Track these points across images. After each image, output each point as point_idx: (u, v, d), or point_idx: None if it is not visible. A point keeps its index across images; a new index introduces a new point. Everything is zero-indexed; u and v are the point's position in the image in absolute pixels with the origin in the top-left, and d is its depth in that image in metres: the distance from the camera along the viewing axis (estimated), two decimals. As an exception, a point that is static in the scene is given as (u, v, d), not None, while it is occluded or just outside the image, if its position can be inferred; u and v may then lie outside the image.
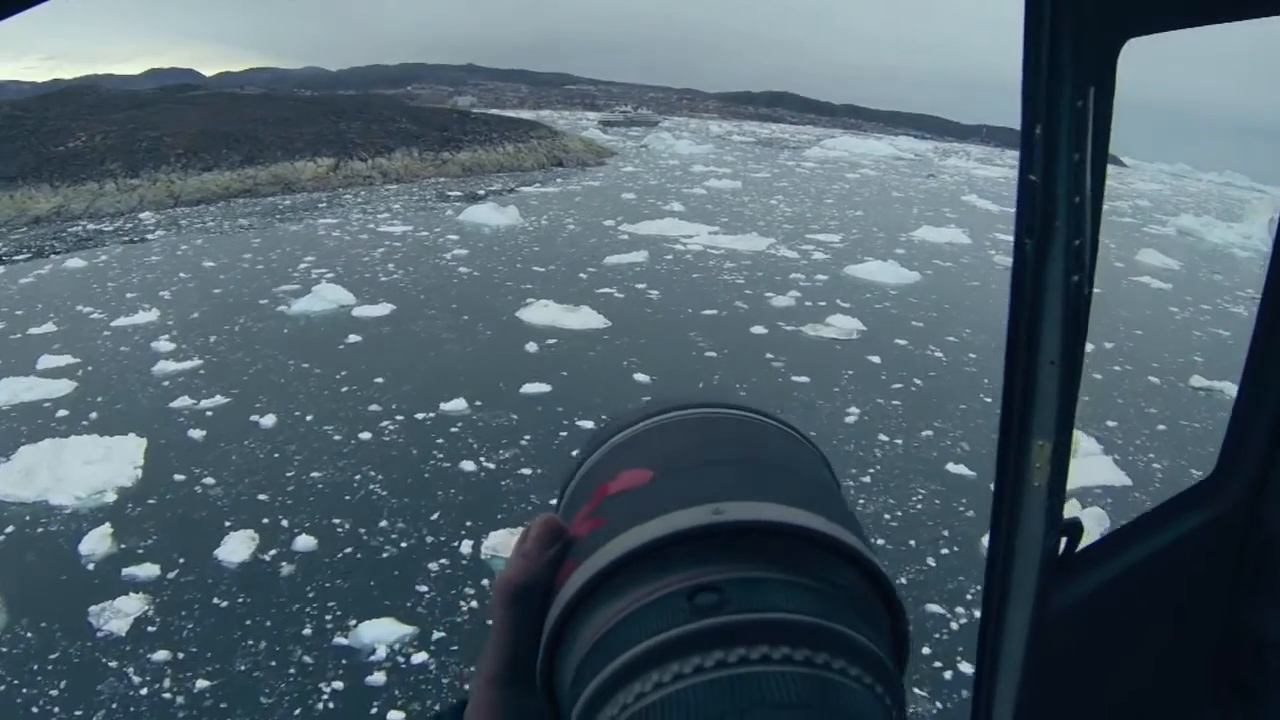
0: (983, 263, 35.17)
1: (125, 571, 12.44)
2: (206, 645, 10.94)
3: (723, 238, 36.81)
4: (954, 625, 10.84)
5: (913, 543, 12.88)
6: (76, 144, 50.00)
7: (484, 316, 24.10)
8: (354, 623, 11.09)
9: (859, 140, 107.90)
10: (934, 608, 11.17)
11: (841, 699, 0.36)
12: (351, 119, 59.67)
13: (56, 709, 9.78)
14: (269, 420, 17.02)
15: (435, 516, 13.36)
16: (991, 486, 1.59)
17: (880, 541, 12.70)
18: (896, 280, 31.01)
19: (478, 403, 17.55)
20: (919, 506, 14.12)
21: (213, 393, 18.55)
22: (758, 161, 78.17)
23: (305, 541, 12.85)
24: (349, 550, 12.61)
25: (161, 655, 10.76)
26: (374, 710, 9.78)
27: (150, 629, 11.38)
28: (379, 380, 18.86)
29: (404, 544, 12.69)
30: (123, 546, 13.22)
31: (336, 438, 16.22)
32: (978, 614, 1.81)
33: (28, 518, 13.95)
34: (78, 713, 9.74)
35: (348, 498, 14.06)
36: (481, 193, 48.71)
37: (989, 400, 17.90)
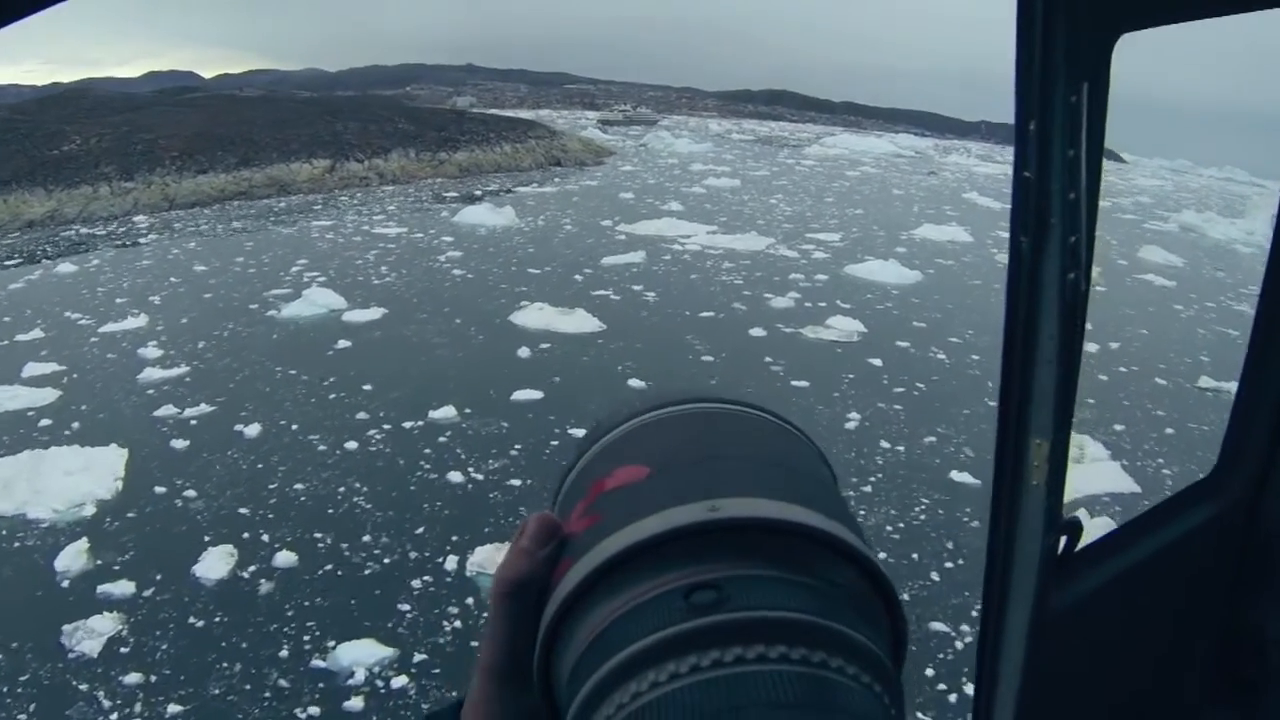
0: (985, 261, 34.68)
1: (100, 589, 12.10)
2: (180, 668, 10.57)
3: (721, 237, 36.37)
4: (959, 644, 10.36)
5: (915, 556, 12.39)
6: (71, 147, 49.69)
7: (476, 320, 23.67)
8: (332, 644, 10.68)
9: (859, 138, 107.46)
10: (938, 625, 10.69)
11: (840, 698, 0.36)
12: (348, 120, 59.30)
13: (21, 737, 9.39)
14: (253, 430, 16.62)
15: (420, 531, 12.92)
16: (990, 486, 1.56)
17: (882, 555, 11.87)
18: (898, 280, 30.55)
19: (467, 410, 17.12)
20: (922, 517, 13.64)
21: (197, 401, 18.17)
22: (757, 160, 77.77)
23: (285, 557, 12.44)
24: (330, 567, 12.19)
25: (133, 678, 10.40)
26: (350, 738, 9.37)
27: (123, 650, 11.04)
28: (367, 387, 18.43)
29: (387, 560, 12.25)
30: (99, 562, 12.88)
31: (321, 448, 15.80)
32: (984, 631, 1.73)
33: (3, 532, 13.61)
34: (43, 741, 9.36)
35: (331, 511, 13.64)
36: (478, 193, 48.33)
37: (993, 404, 17.16)
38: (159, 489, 14.76)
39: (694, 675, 0.36)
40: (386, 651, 10.44)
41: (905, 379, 20.37)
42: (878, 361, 21.61)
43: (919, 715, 9.19)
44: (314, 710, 9.72)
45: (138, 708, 9.90)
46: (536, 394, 18.04)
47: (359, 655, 10.40)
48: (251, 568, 12.39)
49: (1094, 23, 1.27)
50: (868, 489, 14.56)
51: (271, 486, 14.53)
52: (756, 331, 23.74)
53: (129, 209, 44.45)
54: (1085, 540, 1.61)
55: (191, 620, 11.46)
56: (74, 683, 10.32)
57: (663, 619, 0.38)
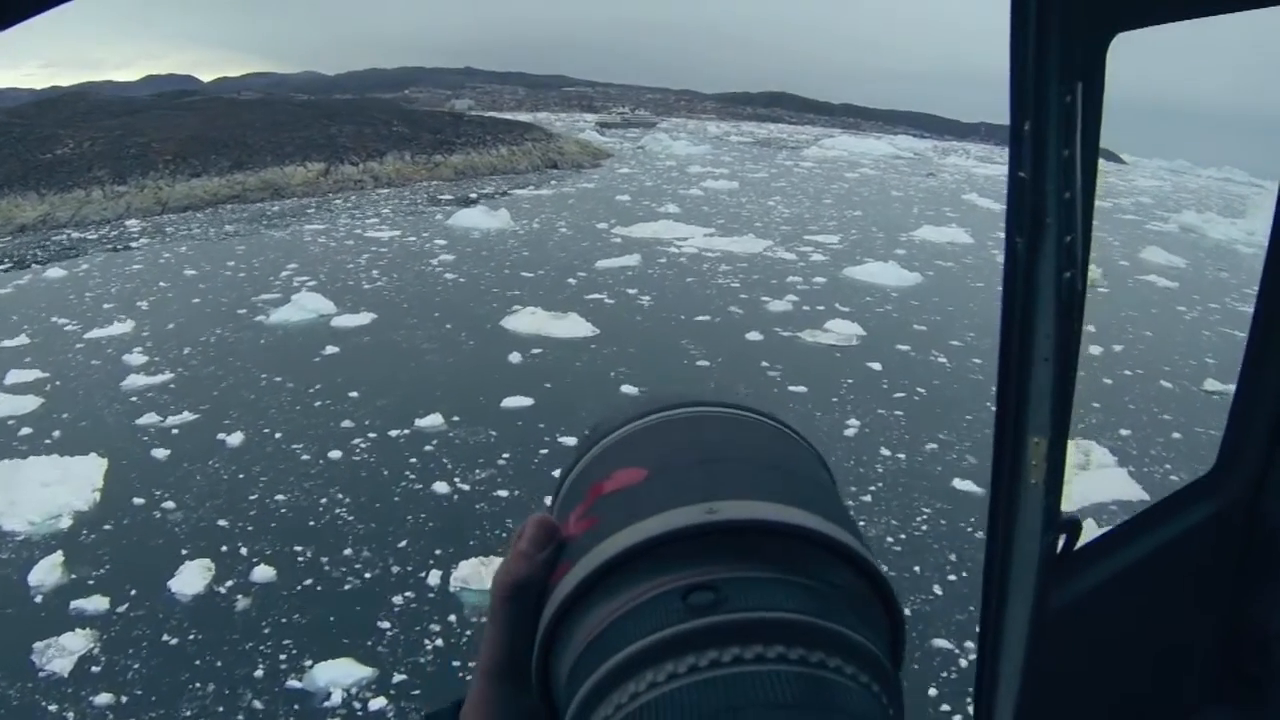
0: (986, 263, 34.29)
1: (74, 604, 11.73)
2: (151, 688, 10.19)
3: (718, 240, 35.99)
4: (963, 662, 9.89)
5: (918, 569, 11.90)
6: (64, 151, 49.42)
7: (467, 325, 23.22)
8: (309, 663, 10.25)
9: (858, 139, 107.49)
10: (941, 643, 10.21)
11: (838, 698, 0.36)
12: (344, 123, 59.00)
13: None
14: (236, 438, 16.20)
15: (403, 544, 12.47)
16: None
17: (882, 567, 11.69)
18: (897, 282, 30.16)
19: (455, 418, 16.67)
20: (924, 528, 13.16)
21: (180, 409, 17.78)
22: (755, 161, 77.48)
23: (263, 572, 12.00)
24: (309, 582, 11.75)
25: (104, 699, 10.04)
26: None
27: (95, 669, 10.68)
28: (353, 394, 18.00)
29: (368, 575, 11.81)
30: (74, 577, 12.52)
31: (305, 457, 15.36)
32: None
33: (-23, 546, 13.18)
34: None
35: (312, 523, 13.20)
36: (473, 196, 47.98)
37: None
38: (137, 500, 14.38)
39: (692, 676, 0.36)
40: (365, 671, 10.00)
41: (905, 384, 19.93)
42: (877, 366, 21.18)
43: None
44: (287, 734, 9.31)
45: (106, 731, 9.53)
46: (527, 401, 17.60)
47: (336, 675, 9.98)
48: (228, 582, 11.98)
49: (1088, 22, 1.26)
50: (867, 498, 14.10)
51: (252, 497, 14.10)
52: (753, 335, 23.31)
53: (121, 213, 44.15)
54: (1084, 539, 1.60)
55: (165, 638, 11.09)
56: (43, 703, 9.94)
57: (661, 620, 0.38)
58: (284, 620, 11.08)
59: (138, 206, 45.25)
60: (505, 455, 15.19)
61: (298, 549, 12.52)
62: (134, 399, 18.63)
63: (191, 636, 11.02)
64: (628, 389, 18.24)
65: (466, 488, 14.07)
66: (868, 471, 15.20)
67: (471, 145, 60.39)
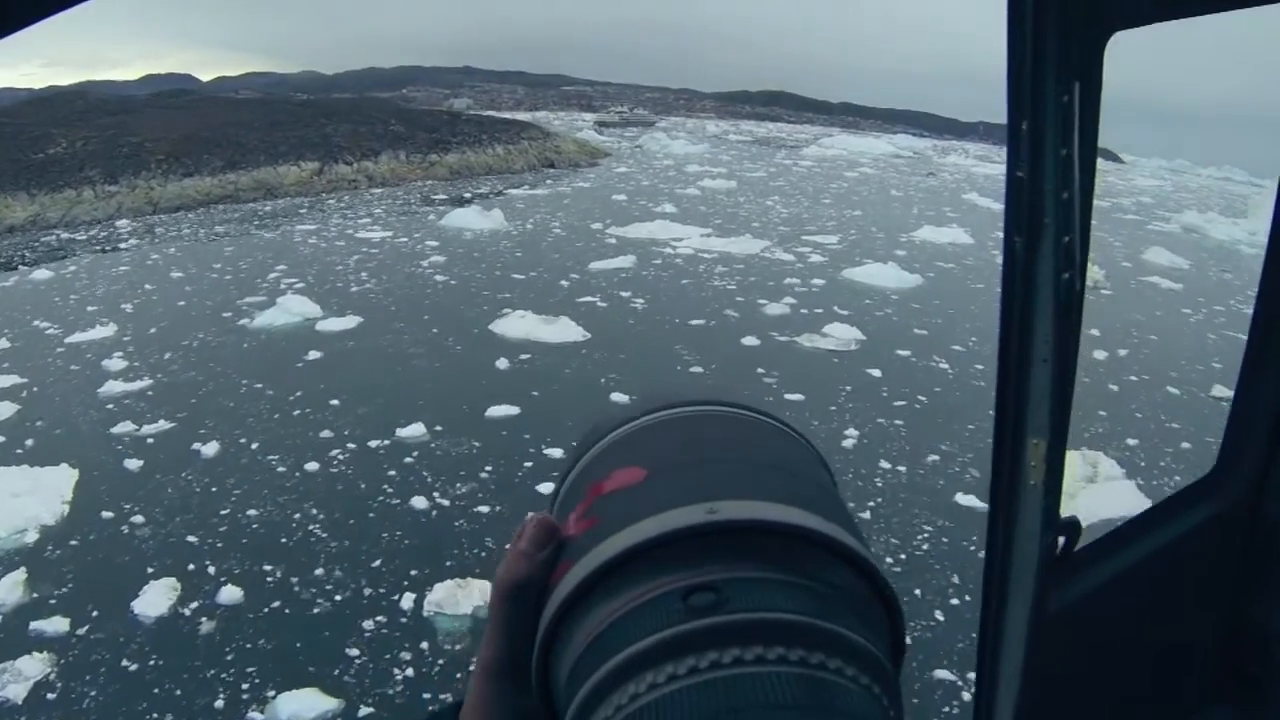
0: (987, 264, 33.76)
1: (33, 626, 11.29)
2: (107, 717, 9.61)
3: (715, 240, 35.45)
4: (966, 695, 9.30)
5: (918, 591, 11.25)
6: (56, 150, 48.98)
7: (455, 329, 22.68)
8: (272, 693, 9.74)
9: (857, 138, 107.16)
10: (943, 674, 9.60)
11: (838, 699, 0.36)
12: (339, 122, 58.52)
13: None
14: (211, 448, 15.66)
15: (377, 564, 11.90)
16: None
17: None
18: (897, 284, 29.61)
19: (438, 428, 16.11)
20: (924, 547, 12.57)
21: (157, 417, 17.27)
22: (754, 161, 77.01)
23: (230, 593, 11.47)
24: (276, 604, 11.19)
25: (58, 730, 9.48)
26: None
27: (50, 695, 10.26)
28: (334, 402, 17.44)
29: (338, 597, 11.24)
30: (35, 596, 12.09)
31: (280, 469, 14.80)
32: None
33: (-61, 562, 12.67)
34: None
35: (283, 540, 12.64)
36: (468, 196, 47.47)
37: (998, 417, 16.35)
38: (106, 514, 13.89)
39: (692, 677, 0.36)
40: (330, 703, 9.48)
41: (906, 391, 19.36)
42: (877, 372, 20.63)
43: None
44: (245, 772, 8.75)
45: (57, 763, 9.01)
46: (513, 410, 17.04)
47: (299, 707, 9.46)
48: (193, 604, 11.46)
49: (1085, 21, 1.26)
50: (866, 514, 13.50)
51: (223, 512, 13.55)
52: (749, 340, 22.76)
53: (112, 213, 43.69)
54: (1084, 540, 1.59)
55: (125, 663, 10.63)
56: (-6, 733, 9.56)
57: (661, 621, 0.38)
58: (249, 646, 10.56)
59: (129, 207, 44.79)
60: (488, 468, 14.62)
61: (267, 568, 11.98)
62: (110, 406, 18.15)
63: (152, 662, 10.55)
64: (618, 397, 17.64)
65: (446, 503, 13.50)
66: (866, 485, 14.61)
67: (467, 144, 59.86)
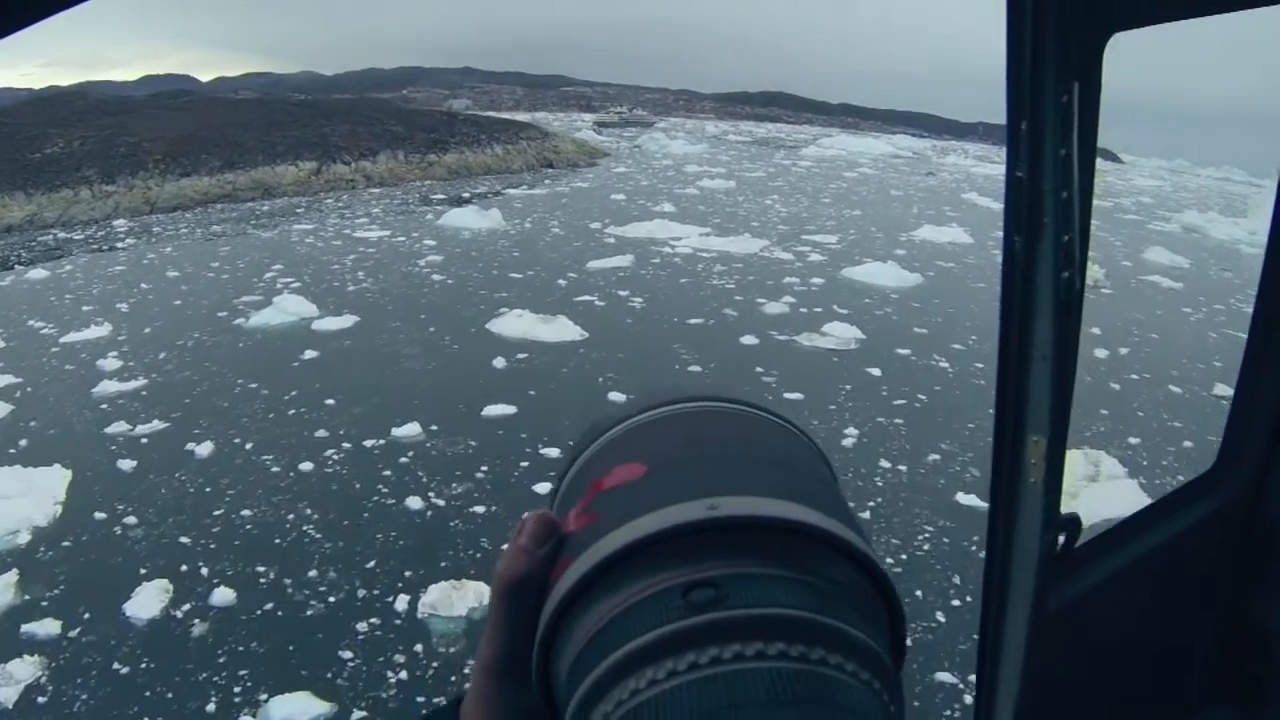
0: (988, 263, 33.62)
1: (25, 628, 11.14)
2: (97, 722, 9.50)
3: (714, 239, 35.30)
4: (968, 699, 9.16)
5: (919, 593, 11.06)
6: (54, 150, 48.88)
7: (452, 328, 22.52)
8: (264, 697, 9.59)
9: (856, 139, 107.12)
10: (944, 676, 9.44)
11: (838, 695, 0.36)
12: (338, 122, 58.40)
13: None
14: (205, 449, 15.52)
15: (371, 564, 11.75)
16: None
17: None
18: (897, 283, 29.46)
19: (433, 427, 15.96)
20: (925, 548, 12.41)
21: (151, 417, 17.13)
22: (753, 161, 76.89)
23: (223, 595, 11.33)
24: (269, 606, 11.05)
25: (47, 733, 9.37)
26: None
27: (41, 699, 10.13)
28: (330, 402, 17.29)
29: (332, 598, 11.09)
30: (27, 598, 11.96)
31: (275, 469, 14.66)
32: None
33: (-70, 564, 12.54)
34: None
35: (277, 540, 12.50)
36: (466, 196, 47.34)
37: (998, 416, 16.20)
38: (99, 514, 13.77)
39: (693, 672, 0.36)
40: (322, 707, 9.33)
41: (906, 390, 19.21)
42: (876, 371, 20.48)
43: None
44: (236, 777, 8.62)
45: (46, 768, 8.89)
46: (509, 409, 16.89)
47: (292, 711, 9.31)
48: (185, 606, 11.32)
49: (1085, 22, 1.27)
50: (867, 514, 13.34)
51: (217, 513, 13.41)
52: (748, 339, 22.59)
53: (109, 213, 43.59)
54: (1084, 537, 1.59)
55: (116, 666, 10.50)
56: (-16, 736, 9.45)
57: (661, 616, 0.38)
58: (241, 648, 10.42)
59: (126, 206, 44.68)
60: (483, 468, 14.47)
61: (260, 569, 11.84)
62: (104, 406, 18.02)
63: (143, 665, 10.42)
64: (615, 396, 17.50)
65: (441, 503, 13.35)
66: (867, 485, 14.46)
67: (466, 144, 59.74)
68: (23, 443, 16.39)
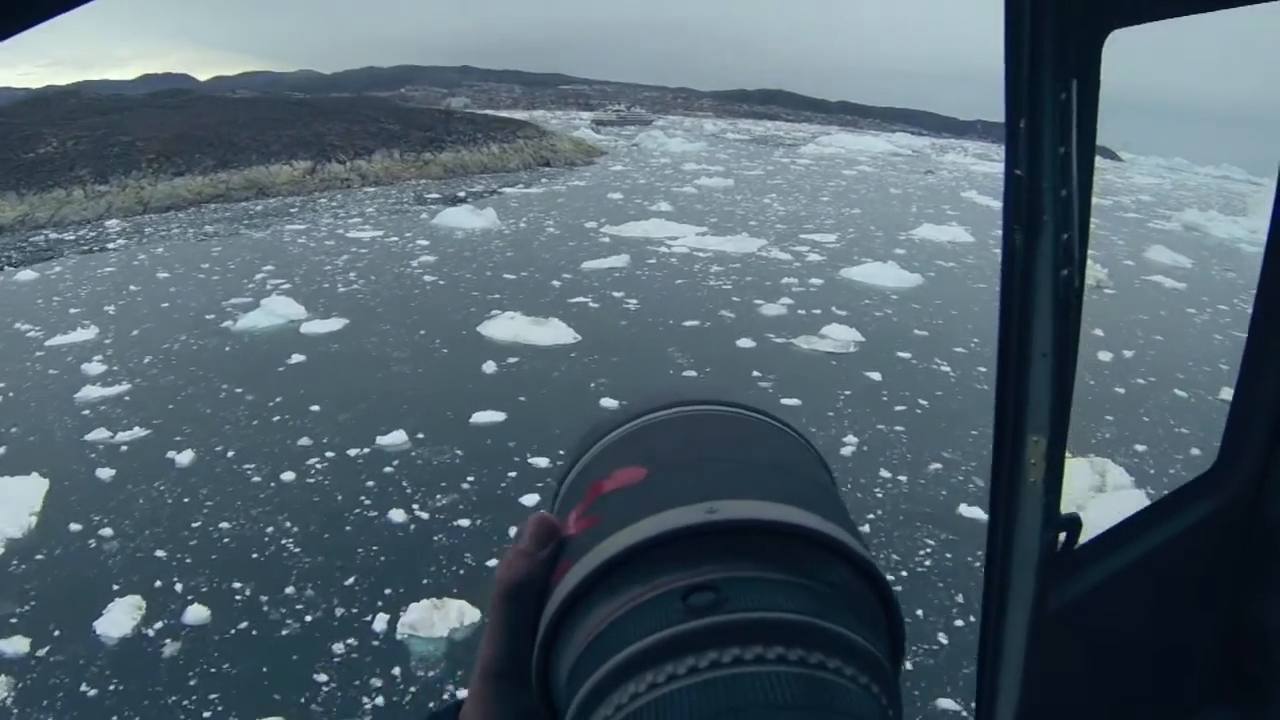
0: (989, 263, 33.17)
1: (-8, 647, 10.67)
2: (61, 748, 9.12)
3: (711, 239, 34.85)
4: (970, 726, 8.73)
5: (920, 612, 10.60)
6: (47, 150, 48.47)
7: (442, 331, 22.08)
8: (235, 724, 9.13)
9: (855, 137, 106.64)
10: (947, 703, 8.99)
11: (837, 699, 0.36)
12: (334, 121, 57.96)
13: None
14: (186, 457, 15.10)
15: (350, 581, 11.32)
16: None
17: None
18: (897, 283, 29.00)
19: (420, 435, 15.52)
20: (927, 563, 11.95)
21: (132, 424, 16.73)
22: (751, 159, 76.41)
23: (197, 613, 10.92)
24: (244, 625, 10.62)
25: (7, 761, 8.99)
26: None
27: None
28: (315, 408, 16.86)
29: (309, 617, 10.66)
30: (-3, 614, 11.42)
31: (256, 479, 14.23)
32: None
33: (-102, 578, 12.14)
34: None
35: (255, 555, 12.07)
36: (461, 195, 46.90)
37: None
38: (75, 526, 13.37)
39: (692, 676, 0.36)
40: (295, 735, 8.90)
41: (907, 395, 18.76)
42: (876, 375, 20.03)
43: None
44: (201, 812, 8.19)
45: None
46: (498, 416, 16.45)
47: (262, 740, 8.87)
48: (158, 624, 10.92)
49: (1083, 20, 1.27)
50: (866, 528, 12.91)
51: (194, 525, 12.99)
52: (745, 342, 22.15)
53: (102, 213, 43.20)
54: (1084, 536, 1.59)
55: (84, 688, 10.11)
56: (-57, 765, 9.06)
57: (661, 620, 0.38)
58: (213, 670, 10.01)
59: (119, 206, 44.28)
60: (470, 479, 14.03)
61: (236, 585, 11.41)
62: (86, 412, 17.64)
63: (112, 687, 10.03)
64: (607, 402, 17.05)
65: (425, 516, 12.91)
66: (866, 496, 13.99)
67: (462, 143, 59.28)
68: (0, 450, 16.00)
